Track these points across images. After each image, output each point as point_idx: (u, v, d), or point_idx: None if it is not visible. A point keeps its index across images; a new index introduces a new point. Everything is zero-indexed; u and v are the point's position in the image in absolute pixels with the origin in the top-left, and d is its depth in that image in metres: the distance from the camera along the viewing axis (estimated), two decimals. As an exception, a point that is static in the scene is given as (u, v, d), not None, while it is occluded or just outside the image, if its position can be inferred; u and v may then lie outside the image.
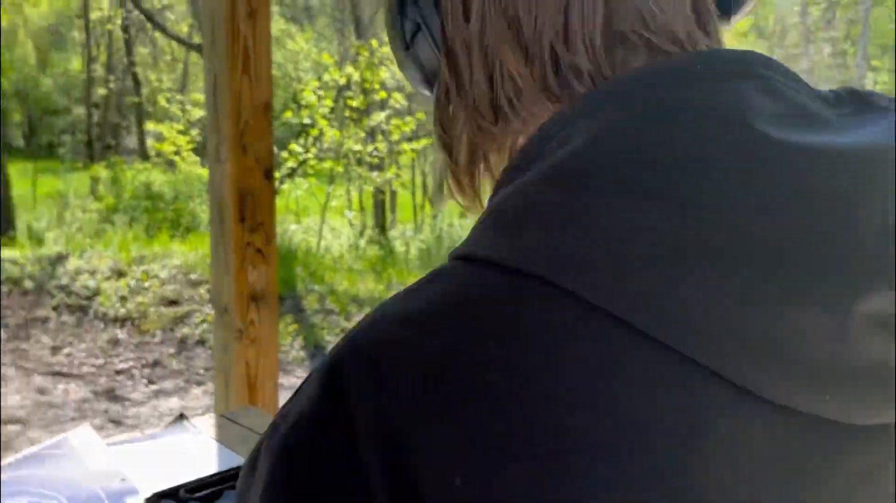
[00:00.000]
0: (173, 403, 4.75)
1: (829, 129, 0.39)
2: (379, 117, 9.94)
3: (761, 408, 0.36)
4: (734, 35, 18.56)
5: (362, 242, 11.21)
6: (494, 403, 0.35)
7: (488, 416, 0.35)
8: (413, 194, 14.39)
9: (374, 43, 12.32)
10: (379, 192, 13.67)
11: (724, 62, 0.41)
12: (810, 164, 0.36)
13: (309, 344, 6.07)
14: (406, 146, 9.80)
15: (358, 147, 9.62)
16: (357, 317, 6.83)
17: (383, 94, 10.00)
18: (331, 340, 6.21)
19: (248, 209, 1.86)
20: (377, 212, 14.24)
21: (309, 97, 9.51)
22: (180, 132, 11.26)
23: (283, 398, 0.48)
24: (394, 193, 14.05)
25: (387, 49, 13.42)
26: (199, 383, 5.11)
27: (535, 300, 0.37)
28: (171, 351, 5.62)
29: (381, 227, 13.13)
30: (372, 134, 10.08)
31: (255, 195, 1.87)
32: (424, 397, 0.36)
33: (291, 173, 9.79)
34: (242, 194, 1.85)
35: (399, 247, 11.04)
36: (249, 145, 1.85)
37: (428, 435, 0.35)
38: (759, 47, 20.20)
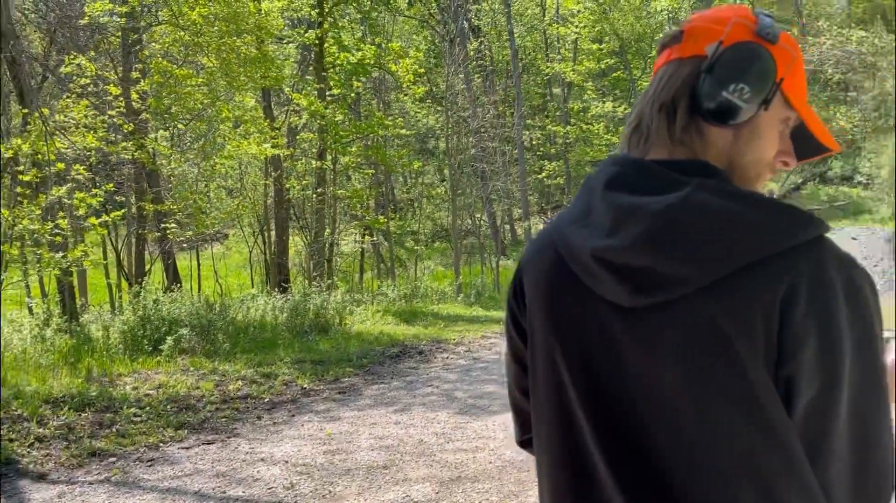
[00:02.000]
0: None
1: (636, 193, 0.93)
2: (59, 191, 8.95)
3: (607, 304, 0.92)
4: (416, 100, 19.69)
5: (49, 332, 9.88)
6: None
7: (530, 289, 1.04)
8: (106, 273, 13.12)
9: (46, 111, 11.15)
10: (66, 274, 12.24)
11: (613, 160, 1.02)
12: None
13: (-4, 460, 5.15)
14: (94, 220, 8.93)
15: (35, 226, 8.51)
16: (55, 420, 5.98)
17: (61, 166, 9.05)
18: (24, 453, 5.35)
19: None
20: (64, 296, 12.70)
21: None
22: None
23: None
24: (83, 274, 12.63)
25: (61, 117, 12.16)
26: None
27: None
28: None
29: (71, 313, 11.72)
30: (51, 210, 9.04)
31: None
32: None
33: (-50, 262, 8.32)
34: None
35: (95, 332, 9.92)
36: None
37: None
38: (435, 111, 21.92)
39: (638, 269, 0.86)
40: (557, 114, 27.80)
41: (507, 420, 6.01)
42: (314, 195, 15.09)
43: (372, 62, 15.27)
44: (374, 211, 18.95)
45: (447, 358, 9.17)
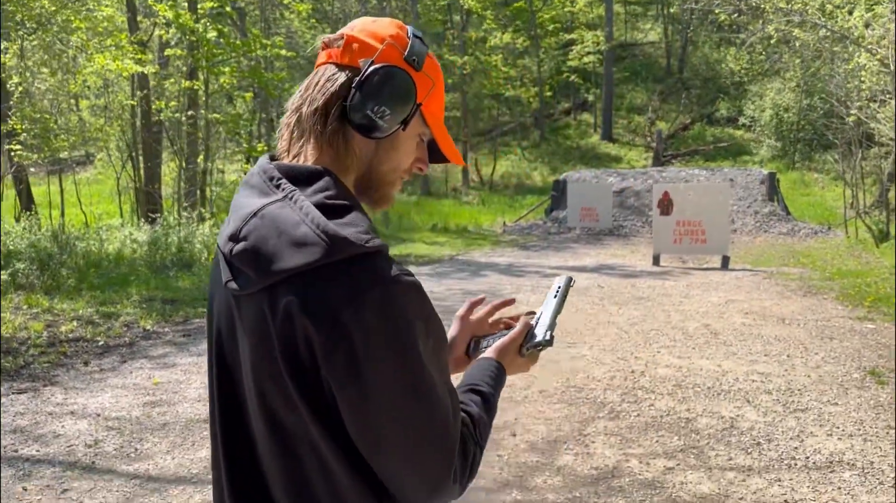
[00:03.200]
0: None
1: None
2: None
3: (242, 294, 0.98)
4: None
5: None
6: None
7: None
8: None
9: None
10: None
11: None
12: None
13: None
14: None
15: None
16: None
17: None
18: None
19: None
20: None
21: None
22: None
23: None
24: None
25: None
26: None
27: None
28: None
29: None
30: None
31: None
32: None
33: None
34: None
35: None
36: None
37: None
38: (324, 32, 20.80)
39: (230, 263, 1.00)
40: (455, 42, 27.05)
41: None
42: (184, 118, 13.97)
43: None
44: (259, 138, 17.86)
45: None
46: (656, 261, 11.53)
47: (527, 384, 5.10)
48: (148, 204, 14.82)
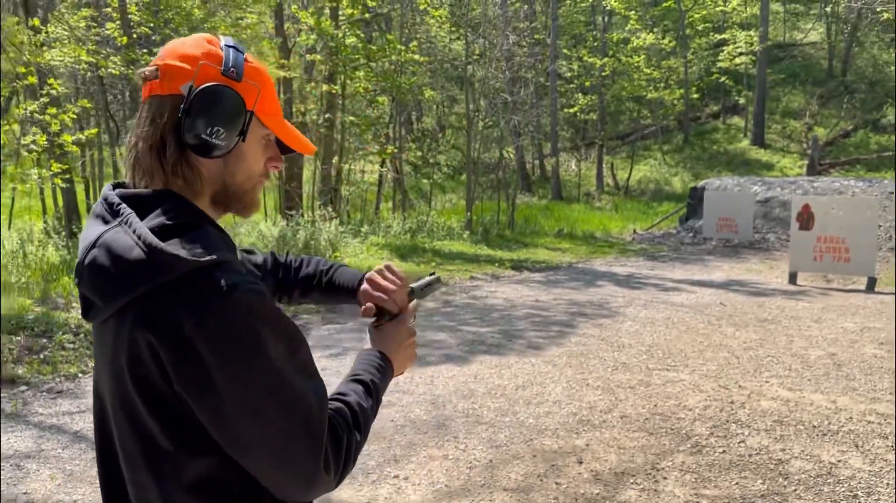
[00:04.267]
0: None
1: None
2: (31, 106, 8.67)
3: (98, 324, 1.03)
4: (439, 22, 18.72)
5: (31, 248, 9.79)
6: None
7: None
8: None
9: (37, 22, 10.80)
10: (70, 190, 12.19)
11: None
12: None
13: None
14: (68, 137, 8.64)
15: (2, 140, 8.25)
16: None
17: (33, 80, 8.74)
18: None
19: None
20: (70, 213, 12.70)
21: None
22: None
23: None
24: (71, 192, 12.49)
25: (53, 28, 11.85)
26: None
27: None
28: None
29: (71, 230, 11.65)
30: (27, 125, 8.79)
31: None
32: None
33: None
34: None
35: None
36: None
37: None
38: (467, 37, 20.90)
39: (81, 293, 1.03)
40: (595, 44, 26.41)
41: (437, 372, 5.64)
42: (321, 121, 14.58)
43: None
44: (393, 141, 18.35)
45: (420, 298, 8.78)
46: (793, 279, 10.66)
47: (609, 407, 4.86)
48: (287, 201, 15.62)
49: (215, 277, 0.95)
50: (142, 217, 1.00)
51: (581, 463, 3.95)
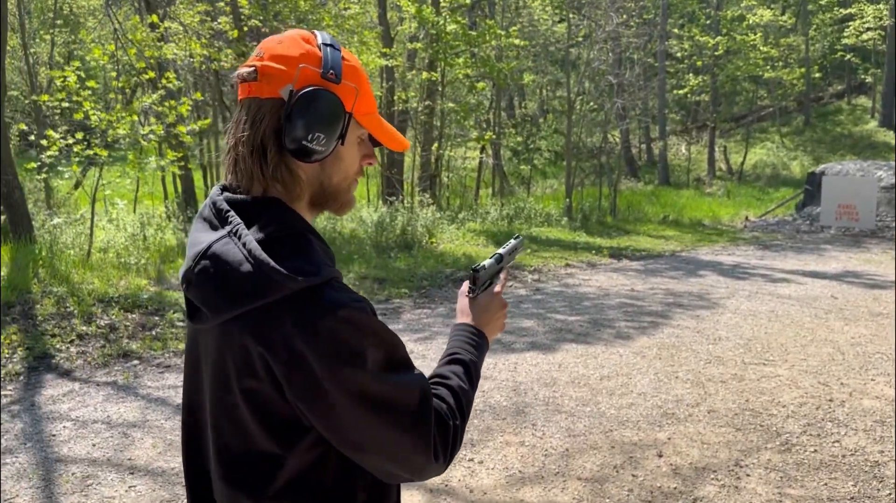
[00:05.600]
0: None
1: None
2: (150, 98, 9.26)
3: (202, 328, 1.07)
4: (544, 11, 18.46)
5: (150, 231, 10.51)
6: None
7: None
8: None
9: (154, 18, 11.47)
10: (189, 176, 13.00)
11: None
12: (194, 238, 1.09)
13: (33, 355, 5.54)
14: (182, 129, 9.18)
15: (124, 131, 8.84)
16: (101, 320, 6.33)
17: (152, 74, 9.33)
18: (63, 348, 5.71)
19: None
20: (186, 195, 13.53)
21: (70, 77, 8.58)
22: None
23: None
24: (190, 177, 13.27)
25: (168, 23, 12.56)
26: None
27: None
28: None
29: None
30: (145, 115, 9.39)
31: None
32: None
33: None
34: None
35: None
36: None
37: None
38: (570, 19, 20.54)
39: (188, 298, 1.06)
40: (708, 22, 25.28)
41: (521, 359, 5.64)
42: (420, 107, 14.77)
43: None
44: (493, 126, 18.34)
45: (510, 286, 8.79)
46: (917, 271, 9.91)
47: (696, 401, 4.72)
48: (387, 187, 15.96)
49: (324, 295, 0.98)
50: (248, 225, 1.02)
51: (661, 456, 3.87)
